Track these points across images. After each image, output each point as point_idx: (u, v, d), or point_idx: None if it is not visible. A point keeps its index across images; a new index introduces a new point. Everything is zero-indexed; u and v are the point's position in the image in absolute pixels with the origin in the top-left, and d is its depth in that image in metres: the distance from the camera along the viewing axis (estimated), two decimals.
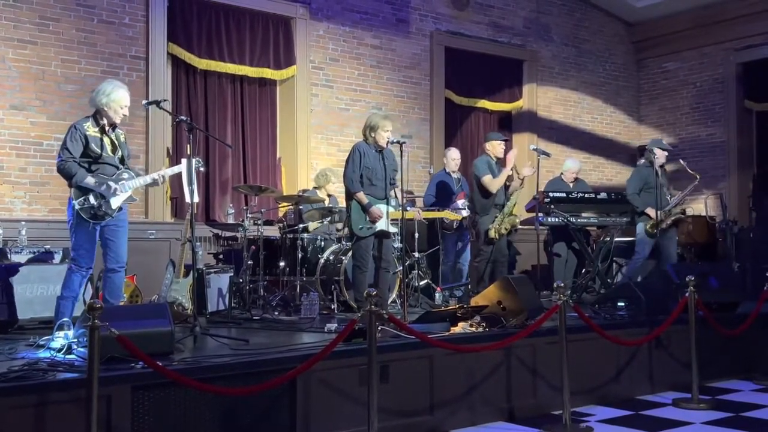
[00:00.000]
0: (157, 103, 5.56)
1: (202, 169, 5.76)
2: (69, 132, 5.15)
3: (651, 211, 7.83)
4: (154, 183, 5.49)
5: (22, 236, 6.54)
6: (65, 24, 7.65)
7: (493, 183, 7.52)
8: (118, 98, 5.19)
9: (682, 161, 8.30)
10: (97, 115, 5.22)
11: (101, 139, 5.19)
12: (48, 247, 6.53)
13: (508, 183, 7.76)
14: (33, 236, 6.73)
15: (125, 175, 5.26)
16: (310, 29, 9.22)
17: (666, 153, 8.00)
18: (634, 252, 8.21)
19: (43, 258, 6.31)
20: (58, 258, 6.42)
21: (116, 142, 5.28)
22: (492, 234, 7.38)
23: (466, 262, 8.34)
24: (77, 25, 7.71)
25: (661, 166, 7.99)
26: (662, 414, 5.47)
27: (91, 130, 5.16)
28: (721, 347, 6.50)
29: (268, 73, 8.98)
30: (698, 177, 8.01)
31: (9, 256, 6.29)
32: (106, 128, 5.23)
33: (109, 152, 5.23)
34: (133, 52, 8.02)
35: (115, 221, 5.23)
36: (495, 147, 7.67)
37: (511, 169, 7.60)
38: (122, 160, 5.32)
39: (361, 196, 6.16)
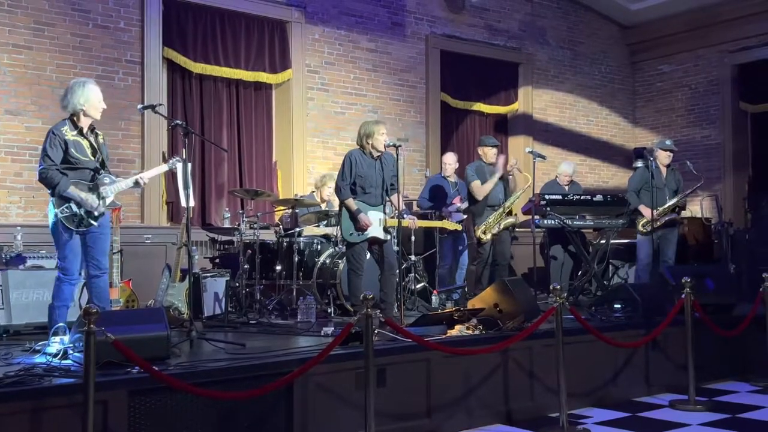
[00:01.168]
0: (153, 107, 5.53)
1: (179, 164, 5.54)
2: (48, 138, 5.03)
3: (643, 210, 7.83)
4: (136, 185, 5.41)
5: (17, 241, 6.52)
6: (60, 29, 7.64)
7: (480, 189, 7.45)
8: (93, 96, 5.10)
9: (689, 163, 8.28)
10: (74, 117, 5.11)
11: (80, 143, 5.09)
12: (44, 252, 6.51)
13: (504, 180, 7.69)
14: (28, 241, 6.72)
15: (107, 180, 5.17)
16: (306, 33, 9.22)
17: (669, 153, 7.97)
18: (635, 256, 8.19)
19: (15, 263, 6.25)
20: (52, 263, 6.39)
21: (95, 145, 5.18)
22: (478, 234, 7.37)
23: (465, 265, 8.34)
24: (72, 29, 7.70)
25: (668, 166, 7.98)
26: (659, 416, 5.48)
27: (70, 134, 5.05)
28: (718, 349, 6.51)
29: (263, 76, 8.98)
30: (702, 179, 7.99)
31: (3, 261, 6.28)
32: (84, 131, 5.13)
33: (89, 156, 5.13)
34: (129, 56, 8.02)
35: (98, 228, 5.13)
36: (486, 152, 7.63)
37: (505, 174, 7.56)
38: (102, 164, 5.21)
39: (349, 203, 6.11)
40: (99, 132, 5.30)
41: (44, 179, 5.01)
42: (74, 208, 5.02)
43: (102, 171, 5.19)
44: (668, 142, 8.18)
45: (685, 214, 10.84)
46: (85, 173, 5.12)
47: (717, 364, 6.56)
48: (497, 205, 7.45)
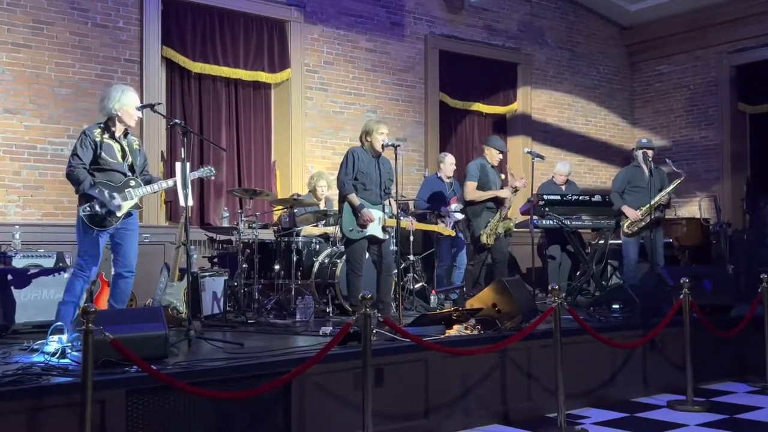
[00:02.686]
0: (152, 106, 5.55)
1: (212, 177, 5.88)
2: (79, 138, 5.17)
3: (627, 210, 7.78)
4: (173, 187, 5.53)
5: (15, 240, 6.52)
6: (59, 27, 7.63)
7: (473, 193, 7.42)
8: (129, 102, 5.22)
9: (668, 160, 8.20)
10: (110, 122, 5.24)
11: (111, 146, 5.21)
12: (42, 251, 6.52)
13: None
14: (27, 240, 6.71)
15: (132, 183, 5.26)
16: (305, 32, 9.22)
17: (645, 150, 7.90)
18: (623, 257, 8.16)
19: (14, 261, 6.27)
20: (50, 262, 6.39)
21: (126, 149, 5.28)
22: (483, 239, 7.35)
23: (463, 265, 8.33)
24: (71, 28, 7.70)
25: (647, 164, 7.87)
26: (657, 416, 5.48)
27: (101, 136, 5.18)
28: (716, 349, 6.52)
29: (262, 76, 8.98)
30: (683, 174, 7.83)
31: (4, 260, 6.27)
32: (117, 135, 5.25)
33: (119, 159, 5.23)
34: (128, 55, 8.01)
35: (124, 225, 5.22)
36: (493, 155, 7.56)
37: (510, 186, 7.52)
38: (132, 168, 5.31)
39: (352, 197, 6.15)
40: (135, 138, 5.43)
41: (70, 176, 5.12)
42: (96, 207, 5.09)
43: (129, 174, 5.28)
44: (644, 141, 8.09)
45: (683, 214, 10.88)
46: (115, 176, 5.21)
47: (715, 365, 6.56)
48: (494, 207, 7.42)
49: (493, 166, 7.55)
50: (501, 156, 7.64)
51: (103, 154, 5.15)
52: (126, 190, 5.21)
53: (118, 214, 5.15)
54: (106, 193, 5.12)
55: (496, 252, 7.43)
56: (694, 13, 11.48)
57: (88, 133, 5.16)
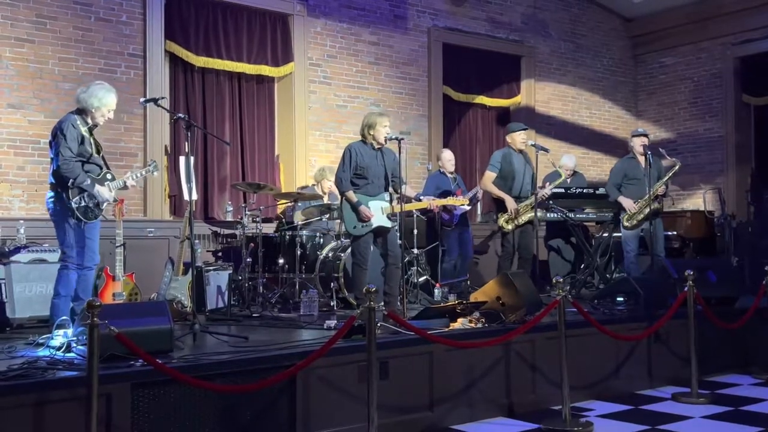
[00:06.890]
0: (155, 100, 5.59)
1: (155, 174, 5.91)
2: (67, 129, 5.15)
3: (624, 201, 7.70)
4: (125, 187, 5.63)
5: (20, 235, 6.54)
6: (62, 22, 7.63)
7: (488, 183, 7.46)
8: (109, 103, 5.31)
9: (661, 149, 8.11)
10: (84, 114, 5.28)
11: (89, 139, 5.27)
12: (46, 245, 6.53)
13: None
14: (31, 235, 6.73)
15: (109, 176, 5.37)
16: (308, 26, 9.21)
17: (642, 139, 7.82)
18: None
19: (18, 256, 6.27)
20: (54, 257, 6.40)
21: (98, 143, 5.38)
22: (500, 222, 7.32)
23: (469, 259, 8.31)
24: (74, 23, 7.70)
25: (646, 156, 7.73)
26: (662, 408, 5.48)
27: (83, 129, 5.22)
28: (720, 342, 6.51)
29: (265, 70, 8.97)
30: (678, 163, 7.79)
31: (9, 254, 6.28)
32: (91, 128, 5.33)
33: (95, 153, 5.33)
34: (131, 49, 8.01)
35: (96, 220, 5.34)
36: (515, 139, 7.50)
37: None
38: (104, 161, 5.43)
39: (350, 195, 6.14)
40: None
41: (66, 170, 5.12)
42: (86, 200, 5.16)
43: (104, 168, 5.39)
44: (640, 129, 8.07)
45: (687, 206, 10.86)
46: (95, 168, 5.30)
47: (719, 357, 6.56)
48: (526, 197, 7.39)
49: (520, 151, 7.49)
50: (525, 135, 7.56)
51: (87, 147, 5.22)
52: (105, 183, 5.31)
53: (103, 206, 5.28)
54: (98, 187, 5.23)
55: (522, 248, 7.37)
56: (697, 4, 11.44)
57: (75, 126, 5.18)
